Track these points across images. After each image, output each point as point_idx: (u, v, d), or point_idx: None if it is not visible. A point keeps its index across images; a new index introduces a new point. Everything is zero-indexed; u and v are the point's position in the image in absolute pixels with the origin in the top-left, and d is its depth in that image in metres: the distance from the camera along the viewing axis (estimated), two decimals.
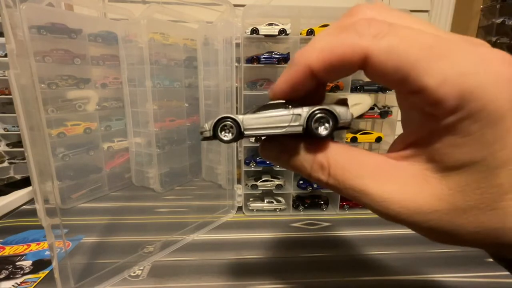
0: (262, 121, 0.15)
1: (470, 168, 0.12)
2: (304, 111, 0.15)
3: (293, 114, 0.15)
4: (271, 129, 0.15)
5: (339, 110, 0.15)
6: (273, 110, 0.15)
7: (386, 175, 0.14)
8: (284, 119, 0.15)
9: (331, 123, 0.14)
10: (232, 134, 0.15)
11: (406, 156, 0.14)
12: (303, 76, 0.14)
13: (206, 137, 0.16)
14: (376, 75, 0.13)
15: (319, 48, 0.13)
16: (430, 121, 0.13)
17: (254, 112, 0.16)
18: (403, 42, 0.12)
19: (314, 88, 0.15)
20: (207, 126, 0.16)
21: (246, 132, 0.15)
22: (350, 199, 0.15)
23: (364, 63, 0.13)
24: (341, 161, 0.15)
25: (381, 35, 0.12)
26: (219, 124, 0.16)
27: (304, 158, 0.15)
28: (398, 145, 0.15)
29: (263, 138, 0.17)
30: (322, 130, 0.15)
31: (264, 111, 0.15)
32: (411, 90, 0.12)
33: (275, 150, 0.16)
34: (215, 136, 0.16)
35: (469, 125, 0.12)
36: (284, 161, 0.16)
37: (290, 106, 0.15)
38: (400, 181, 0.14)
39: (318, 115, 0.14)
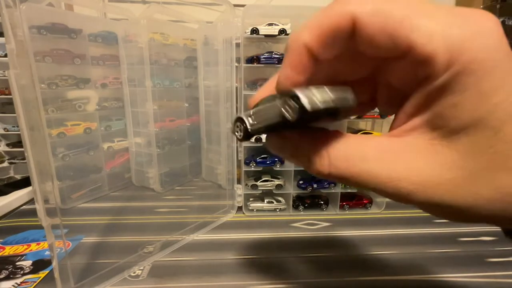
0: (262, 115, 0.14)
1: (476, 126, 0.12)
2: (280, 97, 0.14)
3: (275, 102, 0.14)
4: (267, 121, 0.14)
5: (315, 92, 0.13)
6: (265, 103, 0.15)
7: (391, 154, 0.13)
8: (271, 109, 0.14)
9: (296, 107, 0.13)
10: (241, 133, 0.15)
11: (409, 130, 0.14)
12: (301, 56, 0.14)
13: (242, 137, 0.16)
14: (365, 39, 0.13)
15: (310, 26, 0.13)
16: (425, 85, 0.13)
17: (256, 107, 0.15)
18: (387, 3, 0.12)
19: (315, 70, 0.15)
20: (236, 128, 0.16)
21: (251, 128, 0.15)
22: (358, 187, 0.14)
23: (353, 28, 0.13)
24: (342, 149, 0.14)
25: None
26: (235, 125, 0.15)
27: (304, 149, 0.15)
28: (399, 121, 0.15)
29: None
30: (289, 115, 0.13)
31: (264, 104, 0.15)
32: (400, 50, 0.12)
33: (277, 143, 0.16)
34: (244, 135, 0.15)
35: (464, 79, 0.11)
36: (288, 154, 0.16)
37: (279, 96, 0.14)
38: (407, 157, 0.13)
39: (286, 100, 0.13)
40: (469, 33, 0.11)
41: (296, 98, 0.13)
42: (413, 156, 0.13)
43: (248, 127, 0.15)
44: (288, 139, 0.16)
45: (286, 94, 0.13)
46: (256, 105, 0.15)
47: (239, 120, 0.15)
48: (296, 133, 0.15)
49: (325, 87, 0.13)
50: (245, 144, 0.58)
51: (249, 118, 0.15)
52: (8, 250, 0.46)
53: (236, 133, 0.15)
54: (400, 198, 0.13)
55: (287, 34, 0.54)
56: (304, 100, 0.12)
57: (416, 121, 0.14)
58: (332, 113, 0.15)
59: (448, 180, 0.12)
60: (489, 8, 0.89)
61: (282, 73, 0.15)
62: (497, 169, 0.12)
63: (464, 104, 0.12)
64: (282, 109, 0.13)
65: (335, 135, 0.15)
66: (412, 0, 0.12)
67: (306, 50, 0.13)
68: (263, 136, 0.54)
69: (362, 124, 0.66)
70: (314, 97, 0.13)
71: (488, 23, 0.11)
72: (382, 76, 0.16)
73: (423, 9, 0.12)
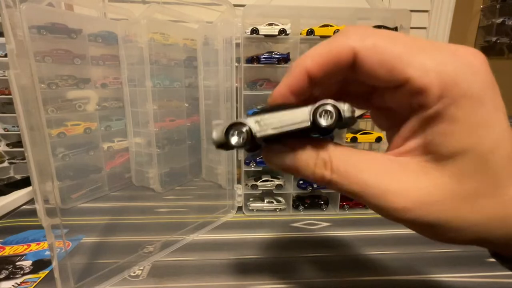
0: (273, 121, 0.15)
1: (464, 155, 0.13)
2: (309, 106, 0.15)
3: (300, 110, 0.15)
4: (283, 128, 0.15)
5: (343, 106, 0.15)
6: (281, 110, 0.15)
7: (387, 170, 0.14)
8: (294, 116, 0.15)
9: (334, 116, 0.14)
10: (243, 139, 0.15)
11: (404, 152, 0.15)
12: (301, 79, 0.15)
13: (220, 145, 0.16)
14: (365, 71, 0.14)
15: (313, 53, 0.15)
16: (419, 114, 0.14)
17: (260, 114, 0.15)
18: (386, 40, 0.13)
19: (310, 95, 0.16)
20: (216, 133, 0.15)
21: (258, 134, 0.15)
22: (352, 197, 0.15)
23: (353, 60, 0.14)
24: (343, 158, 0.15)
25: (367, 35, 0.14)
26: (230, 131, 0.15)
27: (308, 156, 0.16)
28: (395, 143, 0.16)
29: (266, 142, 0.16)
30: (327, 121, 0.14)
31: (273, 112, 0.15)
32: (397, 82, 0.13)
33: (278, 152, 0.16)
34: (227, 143, 0.15)
35: (454, 111, 0.12)
36: (288, 163, 0.16)
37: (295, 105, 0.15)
38: (402, 175, 0.14)
39: (325, 108, 0.14)
40: (460, 69, 0.12)
41: (335, 108, 0.14)
42: (407, 175, 0.14)
43: (256, 132, 0.15)
44: (289, 147, 0.16)
45: (321, 104, 0.14)
46: (264, 111, 0.15)
47: (238, 125, 0.15)
48: (298, 141, 0.16)
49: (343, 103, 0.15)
50: None
51: (256, 124, 0.15)
52: (8, 250, 0.46)
53: (234, 141, 0.15)
54: (390, 212, 0.14)
55: (287, 34, 0.54)
56: (343, 112, 0.14)
57: (411, 144, 0.15)
58: (342, 124, 0.15)
59: (438, 201, 0.13)
60: (489, 8, 0.89)
61: (278, 90, 0.16)
62: (484, 195, 0.13)
63: (454, 133, 0.13)
64: (317, 116, 0.14)
65: (337, 146, 0.16)
66: (407, 37, 0.13)
67: (306, 74, 0.15)
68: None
69: (362, 124, 0.66)
70: (346, 111, 0.14)
71: (477, 61, 0.13)
72: (377, 98, 0.17)
73: (418, 46, 0.13)
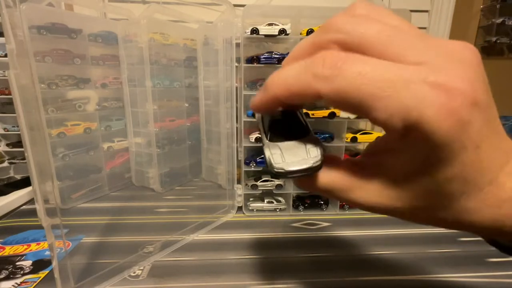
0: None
1: (419, 180, 0.14)
2: (318, 149, 0.17)
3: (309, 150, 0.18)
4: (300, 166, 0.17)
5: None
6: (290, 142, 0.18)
7: (365, 186, 0.17)
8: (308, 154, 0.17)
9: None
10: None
11: (372, 162, 0.17)
12: (272, 101, 0.17)
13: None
14: (332, 105, 0.15)
15: (283, 81, 0.16)
16: (388, 136, 0.15)
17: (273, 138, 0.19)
18: (351, 84, 0.13)
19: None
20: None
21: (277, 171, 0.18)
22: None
23: (319, 98, 0.14)
24: (326, 182, 0.18)
25: (333, 76, 0.13)
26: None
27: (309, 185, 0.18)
28: (371, 149, 0.18)
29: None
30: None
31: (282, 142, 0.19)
32: (365, 117, 0.14)
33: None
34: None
35: (415, 151, 0.14)
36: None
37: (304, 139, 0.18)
38: (378, 189, 0.16)
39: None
40: (428, 115, 0.12)
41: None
42: (382, 188, 0.16)
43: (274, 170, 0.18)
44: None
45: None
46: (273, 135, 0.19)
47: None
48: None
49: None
50: (245, 144, 0.58)
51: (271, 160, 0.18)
52: (8, 250, 0.46)
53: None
54: (367, 210, 0.17)
55: (287, 34, 0.54)
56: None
57: (378, 158, 0.17)
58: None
59: (398, 207, 0.16)
60: (489, 8, 0.89)
61: (256, 104, 0.18)
62: (436, 209, 0.15)
63: (412, 164, 0.14)
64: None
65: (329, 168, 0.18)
66: (381, 69, 0.13)
67: (277, 98, 0.16)
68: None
69: (362, 124, 0.66)
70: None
71: (454, 104, 0.12)
72: None
73: (390, 84, 0.13)
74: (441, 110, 0.12)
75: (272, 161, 0.17)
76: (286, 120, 0.20)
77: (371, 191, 0.16)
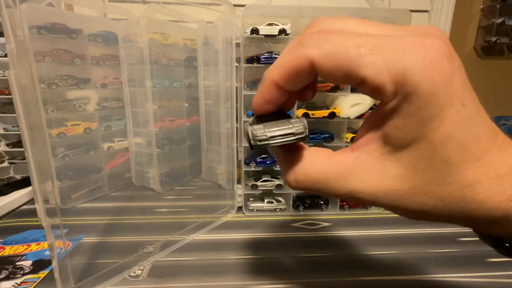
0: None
1: (416, 146, 0.14)
2: (302, 121, 0.17)
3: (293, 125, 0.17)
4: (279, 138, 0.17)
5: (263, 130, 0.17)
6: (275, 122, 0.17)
7: (348, 172, 0.16)
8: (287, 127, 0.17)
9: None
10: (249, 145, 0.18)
11: (365, 143, 0.16)
12: (272, 89, 0.17)
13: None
14: (325, 76, 0.15)
15: (278, 65, 0.16)
16: (379, 108, 0.15)
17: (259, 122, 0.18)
18: (338, 45, 0.14)
19: (285, 98, 0.18)
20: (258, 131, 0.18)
21: (257, 143, 0.17)
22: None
23: (312, 68, 0.15)
24: (307, 169, 0.17)
25: (321, 43, 0.14)
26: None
27: (280, 164, 0.19)
28: (360, 133, 0.18)
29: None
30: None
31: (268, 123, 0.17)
32: (355, 82, 0.14)
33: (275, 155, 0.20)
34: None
35: (406, 107, 0.13)
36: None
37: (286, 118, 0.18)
38: (362, 173, 0.16)
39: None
40: (411, 65, 0.13)
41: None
42: (366, 171, 0.16)
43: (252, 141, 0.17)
44: (274, 154, 0.20)
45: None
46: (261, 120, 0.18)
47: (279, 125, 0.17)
48: (279, 149, 0.19)
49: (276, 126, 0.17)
50: (245, 144, 0.58)
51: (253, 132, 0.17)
52: (8, 250, 0.46)
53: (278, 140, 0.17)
54: (364, 203, 0.17)
55: (287, 34, 0.54)
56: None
57: (370, 136, 0.16)
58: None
59: (397, 190, 0.15)
60: (489, 8, 0.89)
61: (255, 100, 0.18)
62: (441, 184, 0.14)
63: (406, 127, 0.14)
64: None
65: (304, 154, 0.18)
66: (363, 37, 0.14)
67: (275, 85, 0.16)
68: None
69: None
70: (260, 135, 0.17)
71: (432, 56, 0.13)
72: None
73: (371, 46, 0.14)
74: (423, 61, 0.13)
75: (254, 132, 0.17)
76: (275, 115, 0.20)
77: (369, 173, 0.16)
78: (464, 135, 0.13)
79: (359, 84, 0.15)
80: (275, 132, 0.17)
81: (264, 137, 0.17)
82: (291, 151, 0.18)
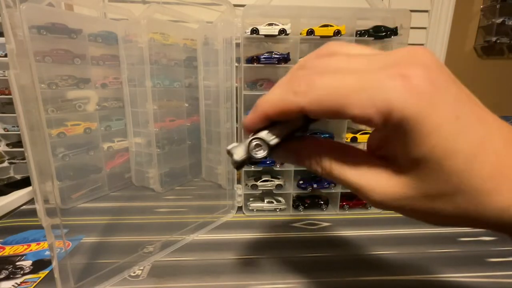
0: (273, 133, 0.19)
1: (420, 164, 0.14)
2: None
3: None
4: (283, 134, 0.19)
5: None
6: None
7: (364, 166, 0.17)
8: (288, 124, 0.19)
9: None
10: (266, 150, 0.18)
11: (375, 155, 0.18)
12: (262, 119, 0.18)
13: (241, 162, 0.19)
14: (315, 116, 0.16)
15: (270, 101, 0.17)
16: (377, 134, 0.17)
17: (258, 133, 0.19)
18: (325, 90, 0.15)
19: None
20: (237, 155, 0.19)
21: (271, 143, 0.18)
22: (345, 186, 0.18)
23: (303, 111, 0.16)
24: (329, 155, 0.18)
25: (309, 90, 0.15)
26: (251, 148, 0.19)
27: (303, 158, 0.19)
28: (370, 146, 0.19)
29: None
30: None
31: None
32: (346, 118, 0.15)
33: (283, 155, 0.20)
34: (249, 159, 0.19)
35: (400, 133, 0.14)
36: (292, 161, 0.21)
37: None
38: (376, 172, 0.17)
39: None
40: (393, 96, 0.13)
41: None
42: (379, 173, 0.17)
43: (268, 141, 0.18)
44: (291, 151, 0.20)
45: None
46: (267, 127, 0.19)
47: (256, 141, 0.19)
48: (297, 144, 0.20)
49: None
50: None
51: (267, 135, 0.18)
52: (8, 250, 0.46)
53: (261, 155, 0.18)
54: (373, 203, 0.17)
55: (287, 34, 0.54)
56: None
57: (380, 152, 0.18)
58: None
59: (409, 196, 0.15)
60: (489, 8, 0.89)
61: (248, 120, 0.19)
62: (450, 193, 0.14)
63: (405, 149, 0.15)
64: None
65: (327, 143, 0.19)
66: (349, 76, 0.15)
67: (265, 116, 0.18)
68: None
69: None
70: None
71: (412, 81, 0.13)
72: None
73: (356, 85, 0.14)
74: (403, 90, 0.13)
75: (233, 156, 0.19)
76: None
77: (378, 173, 0.17)
78: (466, 146, 0.13)
79: (350, 119, 0.15)
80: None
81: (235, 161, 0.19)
82: (312, 141, 0.20)
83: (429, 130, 0.13)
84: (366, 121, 0.15)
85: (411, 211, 0.16)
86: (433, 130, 0.13)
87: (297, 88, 0.16)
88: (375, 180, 0.16)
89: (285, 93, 0.17)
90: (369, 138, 0.20)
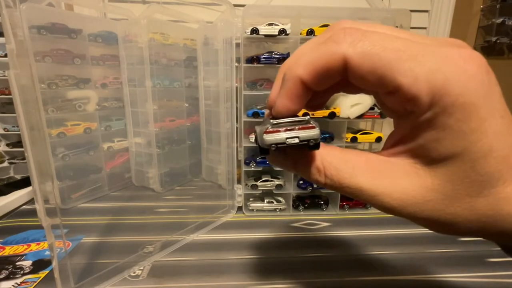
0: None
1: (455, 159, 0.13)
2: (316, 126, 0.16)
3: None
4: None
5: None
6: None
7: (377, 171, 0.15)
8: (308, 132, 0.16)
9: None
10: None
11: (395, 153, 0.15)
12: (298, 88, 0.15)
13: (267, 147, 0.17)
14: (356, 77, 0.14)
15: (305, 61, 0.14)
16: (411, 119, 0.14)
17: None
18: (375, 46, 0.13)
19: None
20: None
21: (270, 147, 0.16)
22: (350, 196, 0.16)
23: (344, 67, 0.14)
24: (334, 163, 0.16)
25: (356, 41, 0.13)
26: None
27: (304, 164, 0.17)
28: (389, 143, 0.17)
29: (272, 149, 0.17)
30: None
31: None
32: (388, 90, 0.13)
33: (279, 160, 0.18)
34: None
35: (445, 119, 0.13)
36: (288, 168, 0.18)
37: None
38: (391, 176, 0.15)
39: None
40: (452, 77, 0.12)
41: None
42: (396, 176, 0.15)
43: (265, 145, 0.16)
44: (289, 155, 0.18)
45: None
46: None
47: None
48: (295, 150, 0.17)
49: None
50: (245, 144, 0.58)
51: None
52: (8, 250, 0.46)
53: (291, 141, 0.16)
54: (386, 210, 0.15)
55: (287, 34, 0.54)
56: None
57: (402, 147, 0.15)
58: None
59: (428, 200, 0.14)
60: (489, 8, 0.89)
61: (280, 102, 0.16)
62: (476, 196, 0.13)
63: (444, 140, 0.13)
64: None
65: (332, 149, 0.17)
66: (402, 38, 0.13)
67: (301, 83, 0.15)
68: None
69: (362, 124, 0.66)
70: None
71: (471, 66, 0.12)
72: (376, 97, 0.17)
73: (410, 51, 0.13)
74: (464, 72, 0.12)
75: (263, 135, 0.16)
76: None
77: (398, 178, 0.15)
78: (505, 147, 0.13)
79: (390, 92, 0.14)
80: (286, 139, 0.16)
81: (272, 138, 0.16)
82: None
83: (478, 124, 0.12)
84: (411, 97, 0.13)
85: (424, 218, 0.15)
86: (481, 125, 0.12)
87: (341, 37, 0.13)
88: (392, 184, 0.15)
89: (323, 46, 0.14)
90: (391, 134, 0.17)
